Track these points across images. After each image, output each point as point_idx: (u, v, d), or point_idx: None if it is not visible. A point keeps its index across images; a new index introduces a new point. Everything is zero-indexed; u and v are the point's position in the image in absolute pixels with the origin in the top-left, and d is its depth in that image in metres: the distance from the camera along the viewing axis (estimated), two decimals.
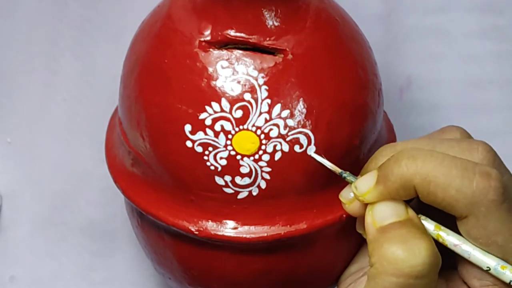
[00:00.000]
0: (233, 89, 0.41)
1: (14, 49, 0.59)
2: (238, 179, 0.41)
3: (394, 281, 0.37)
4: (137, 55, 0.45)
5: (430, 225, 0.40)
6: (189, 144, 0.41)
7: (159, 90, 0.43)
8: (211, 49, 0.42)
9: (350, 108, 0.43)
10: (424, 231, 0.39)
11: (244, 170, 0.41)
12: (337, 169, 0.42)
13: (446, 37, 0.60)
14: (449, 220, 0.39)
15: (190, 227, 0.43)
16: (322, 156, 0.42)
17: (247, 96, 0.41)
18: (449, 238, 0.39)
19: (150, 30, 0.45)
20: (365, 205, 0.41)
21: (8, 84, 0.60)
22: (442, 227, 0.39)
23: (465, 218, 0.37)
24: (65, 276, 0.61)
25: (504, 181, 0.37)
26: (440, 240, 0.39)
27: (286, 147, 0.41)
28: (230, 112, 0.41)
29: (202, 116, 0.41)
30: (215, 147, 0.41)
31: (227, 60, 0.42)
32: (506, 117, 0.61)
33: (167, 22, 0.44)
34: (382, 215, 0.39)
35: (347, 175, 0.42)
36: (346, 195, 0.42)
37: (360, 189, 0.40)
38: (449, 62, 0.60)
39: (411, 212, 0.39)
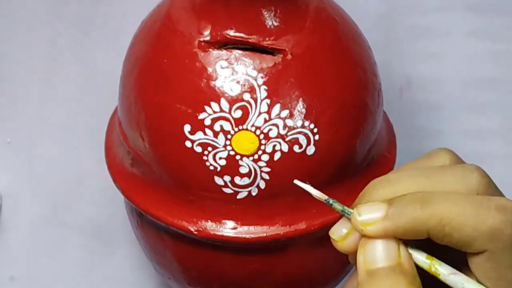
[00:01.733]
0: (233, 89, 0.41)
1: (14, 49, 0.59)
2: (237, 179, 0.41)
3: None
4: (137, 55, 0.45)
5: (421, 255, 0.39)
6: (188, 144, 0.41)
7: (159, 90, 0.43)
8: (210, 49, 0.42)
9: (349, 108, 0.43)
10: (413, 279, 0.37)
11: (243, 170, 0.41)
12: (323, 196, 0.39)
13: (446, 37, 0.60)
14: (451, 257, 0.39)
15: (189, 227, 0.43)
16: (306, 183, 0.41)
17: (247, 96, 0.41)
18: (442, 269, 0.38)
19: (149, 30, 0.45)
20: (358, 242, 0.38)
21: (8, 84, 0.60)
22: (435, 258, 0.39)
23: (479, 254, 0.37)
24: (65, 276, 0.61)
25: None
26: (433, 270, 0.38)
27: (285, 147, 0.41)
28: (230, 112, 0.41)
29: (202, 116, 0.41)
30: (214, 147, 0.41)
31: (226, 60, 0.41)
32: (506, 116, 0.61)
33: (166, 22, 0.44)
34: (373, 257, 0.37)
35: (333, 202, 0.38)
36: (338, 231, 0.39)
37: (364, 217, 0.37)
38: (449, 62, 0.60)
39: (404, 255, 0.38)
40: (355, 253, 0.39)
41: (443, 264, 0.38)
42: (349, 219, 0.38)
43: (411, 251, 0.38)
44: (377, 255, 0.37)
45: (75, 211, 0.60)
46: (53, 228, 0.61)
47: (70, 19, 0.59)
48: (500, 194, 0.39)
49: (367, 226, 0.37)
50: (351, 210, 0.38)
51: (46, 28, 0.59)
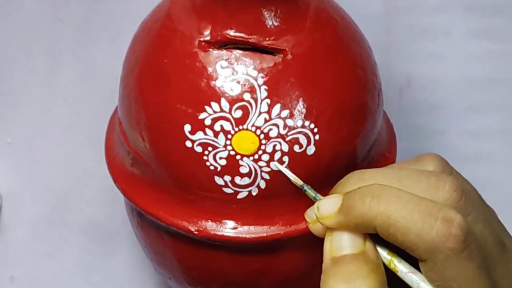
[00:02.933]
0: (233, 89, 0.41)
1: (14, 49, 0.59)
2: (237, 179, 0.41)
3: None
4: (137, 55, 0.45)
5: (383, 250, 0.39)
6: (188, 144, 0.41)
7: (159, 90, 0.43)
8: (210, 49, 0.42)
9: (349, 108, 0.43)
10: (376, 267, 0.38)
11: (243, 170, 0.41)
12: (298, 181, 0.41)
13: (446, 37, 0.60)
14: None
15: (189, 227, 0.43)
16: (286, 168, 0.41)
17: (247, 96, 0.41)
18: (400, 266, 0.39)
19: (149, 30, 0.45)
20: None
21: (8, 84, 0.60)
22: (395, 255, 0.39)
23: (424, 261, 0.37)
24: (65, 276, 0.61)
25: (467, 227, 0.36)
26: (392, 266, 0.39)
27: (285, 147, 0.41)
28: (230, 112, 0.41)
29: (202, 116, 0.41)
30: (214, 147, 0.41)
31: (226, 60, 0.41)
32: (506, 116, 0.61)
33: (166, 22, 0.44)
34: (339, 245, 0.39)
35: (307, 189, 0.41)
36: (311, 215, 0.41)
37: (321, 211, 0.40)
38: (449, 62, 0.60)
39: (368, 244, 0.39)
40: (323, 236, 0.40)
41: (403, 261, 0.39)
42: None
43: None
44: (343, 243, 0.39)
45: (75, 211, 0.60)
46: (53, 228, 0.61)
47: (70, 19, 0.59)
48: (473, 208, 0.39)
49: (325, 219, 0.39)
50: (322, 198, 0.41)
51: (46, 28, 0.59)
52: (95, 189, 0.60)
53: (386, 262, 0.39)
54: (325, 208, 0.39)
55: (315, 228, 0.41)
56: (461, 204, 0.38)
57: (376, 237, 0.39)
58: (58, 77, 0.59)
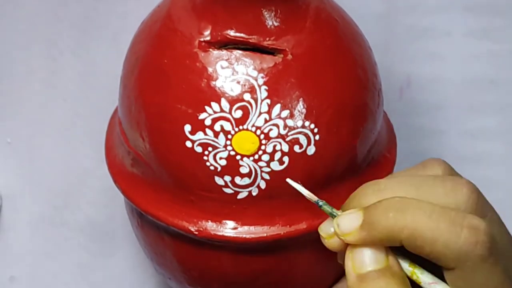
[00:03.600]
0: (233, 89, 0.41)
1: (14, 49, 0.59)
2: (237, 179, 0.41)
3: None
4: (137, 55, 0.45)
5: (405, 262, 0.39)
6: (188, 144, 0.41)
7: (159, 90, 0.43)
8: (210, 49, 0.42)
9: (350, 108, 0.43)
10: (403, 280, 0.38)
11: (243, 170, 0.41)
12: (313, 197, 0.41)
13: (446, 37, 0.60)
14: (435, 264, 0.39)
15: (190, 228, 0.43)
16: (298, 183, 0.41)
17: (247, 96, 0.41)
18: (423, 277, 0.39)
19: (150, 30, 0.45)
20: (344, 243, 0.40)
21: (8, 84, 0.60)
22: (417, 266, 0.39)
23: (451, 270, 0.37)
24: (65, 276, 0.61)
25: (490, 231, 0.37)
26: (414, 278, 0.39)
27: (285, 147, 0.41)
28: (230, 112, 0.41)
29: (202, 116, 0.41)
30: (214, 147, 0.41)
31: (226, 60, 0.41)
32: (506, 116, 0.61)
33: (167, 22, 0.44)
34: (362, 261, 0.38)
35: (323, 204, 0.40)
36: (326, 230, 0.41)
37: (342, 228, 0.39)
38: (449, 62, 0.60)
39: (391, 258, 0.38)
40: (342, 251, 0.40)
41: (425, 272, 0.39)
42: None
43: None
44: (366, 260, 0.38)
45: (75, 211, 0.60)
46: (53, 228, 0.61)
47: (70, 19, 0.59)
48: (490, 209, 0.39)
49: (347, 236, 0.38)
50: (339, 213, 0.40)
51: (46, 28, 0.59)
52: (95, 189, 0.60)
53: (409, 274, 0.39)
54: (346, 225, 0.39)
55: (331, 243, 0.40)
56: (479, 206, 0.39)
57: (395, 249, 0.39)
58: (58, 77, 0.59)
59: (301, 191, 0.41)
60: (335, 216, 0.40)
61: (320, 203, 0.41)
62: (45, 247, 0.61)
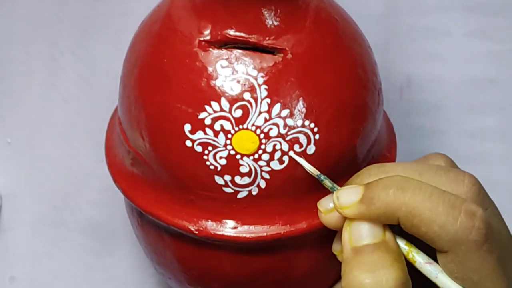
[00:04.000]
0: (233, 89, 0.41)
1: (14, 49, 0.59)
2: (237, 179, 0.41)
3: None
4: (137, 55, 0.45)
5: (401, 241, 0.40)
6: (188, 143, 0.41)
7: (159, 89, 0.43)
8: (210, 49, 0.42)
9: (350, 107, 0.43)
10: (397, 256, 0.39)
11: (243, 169, 0.41)
12: (315, 171, 0.41)
13: (446, 37, 0.60)
14: (428, 247, 0.39)
15: (190, 227, 0.43)
16: (301, 157, 0.41)
17: (247, 96, 0.41)
18: (418, 257, 0.39)
19: (149, 30, 0.45)
20: (343, 218, 0.40)
21: (8, 84, 0.60)
22: (413, 245, 0.39)
23: (444, 253, 0.38)
24: (65, 276, 0.61)
25: (488, 220, 0.37)
26: (410, 257, 0.39)
27: (285, 147, 0.41)
28: (230, 112, 0.41)
29: (202, 115, 0.41)
30: (214, 147, 0.41)
31: (226, 59, 0.42)
32: (506, 116, 0.62)
33: (166, 22, 0.44)
34: (359, 235, 0.39)
35: (324, 178, 0.41)
36: (325, 204, 0.41)
37: (341, 200, 0.40)
38: (449, 62, 0.60)
39: (388, 234, 0.39)
40: (338, 227, 0.41)
41: (420, 252, 0.39)
42: None
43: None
44: (363, 233, 0.39)
45: (75, 211, 0.60)
46: (53, 229, 0.61)
47: (70, 19, 0.59)
48: (490, 202, 0.40)
49: (345, 209, 0.39)
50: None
51: (46, 28, 0.59)
52: (95, 189, 0.60)
53: (404, 253, 0.39)
54: (345, 198, 0.40)
55: (328, 218, 0.41)
56: (480, 198, 0.39)
57: (392, 228, 0.39)
58: (58, 77, 0.59)
59: (302, 164, 0.41)
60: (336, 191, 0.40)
61: (322, 178, 0.41)
62: (45, 247, 0.61)
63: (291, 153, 0.41)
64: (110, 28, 0.59)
